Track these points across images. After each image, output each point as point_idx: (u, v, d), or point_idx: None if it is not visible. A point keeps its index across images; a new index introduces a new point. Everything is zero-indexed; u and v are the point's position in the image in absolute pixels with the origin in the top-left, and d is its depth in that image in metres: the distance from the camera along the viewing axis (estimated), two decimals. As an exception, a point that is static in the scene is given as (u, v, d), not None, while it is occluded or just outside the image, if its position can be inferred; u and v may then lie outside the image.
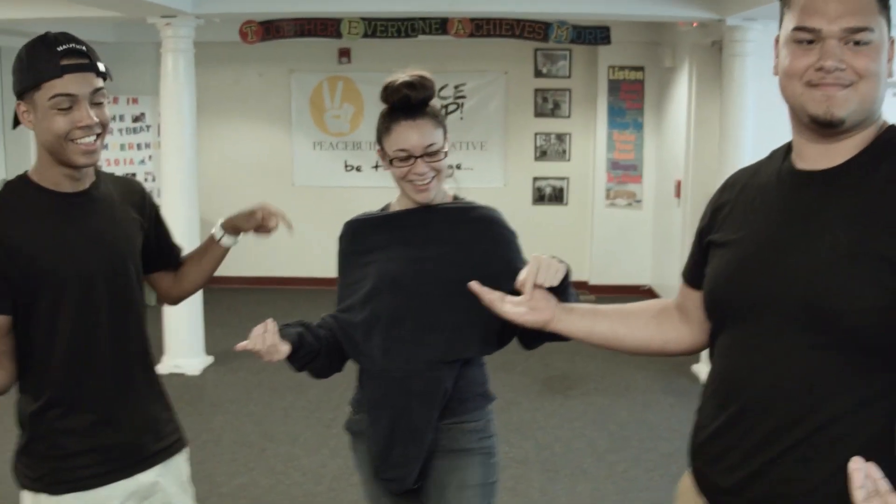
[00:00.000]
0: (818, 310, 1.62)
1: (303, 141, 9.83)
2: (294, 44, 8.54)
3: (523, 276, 2.13)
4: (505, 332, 2.43)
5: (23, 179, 2.44)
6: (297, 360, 2.43)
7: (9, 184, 2.45)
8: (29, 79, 2.29)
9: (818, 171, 1.71)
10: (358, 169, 9.83)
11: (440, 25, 7.86)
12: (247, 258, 10.00)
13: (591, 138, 9.67)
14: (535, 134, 9.80)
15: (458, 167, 9.71)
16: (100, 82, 2.33)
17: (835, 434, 1.60)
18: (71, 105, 2.28)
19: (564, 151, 9.82)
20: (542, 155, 9.84)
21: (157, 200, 2.69)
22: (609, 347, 2.20)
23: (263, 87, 9.80)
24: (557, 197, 9.88)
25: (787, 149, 1.82)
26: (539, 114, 9.79)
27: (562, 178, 9.84)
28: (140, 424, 2.56)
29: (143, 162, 9.26)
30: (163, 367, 6.99)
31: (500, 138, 9.81)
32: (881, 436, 1.42)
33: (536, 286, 2.11)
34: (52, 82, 2.26)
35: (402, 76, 2.48)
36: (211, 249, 2.78)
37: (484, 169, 9.80)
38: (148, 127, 9.15)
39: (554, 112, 9.77)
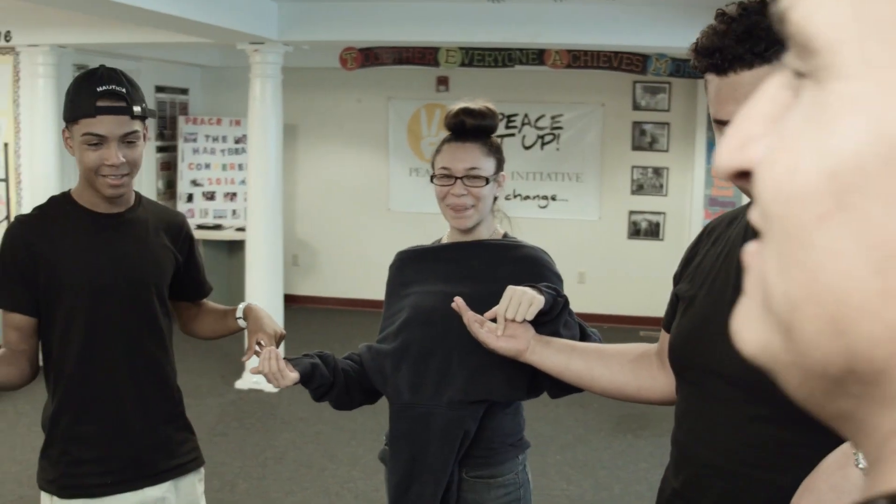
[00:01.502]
0: (755, 382, 1.54)
1: (399, 167, 9.95)
2: (393, 71, 8.68)
3: (494, 308, 2.16)
4: (536, 380, 2.37)
5: (66, 196, 2.62)
6: (311, 389, 2.45)
7: (52, 198, 2.64)
8: (68, 112, 2.47)
9: None
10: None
11: (537, 56, 7.88)
12: (335, 279, 10.19)
13: (689, 173, 9.51)
14: (632, 167, 9.70)
15: (553, 198, 9.70)
16: (135, 124, 2.47)
17: None
18: (100, 143, 2.42)
19: (661, 186, 9.69)
20: (638, 189, 9.73)
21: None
22: (583, 386, 2.17)
23: (362, 113, 9.96)
24: (653, 232, 9.74)
25: None
26: (636, 147, 9.69)
27: (658, 213, 9.70)
28: (151, 441, 2.65)
29: (243, 182, 9.49)
30: (242, 383, 7.15)
31: (596, 171, 9.73)
32: None
33: (507, 319, 2.14)
34: (86, 120, 2.42)
35: (466, 103, 2.51)
36: (229, 319, 2.81)
37: (579, 201, 9.74)
38: (250, 148, 9.39)
39: (652, 146, 9.65)
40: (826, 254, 0.41)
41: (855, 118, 0.39)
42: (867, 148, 0.39)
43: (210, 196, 9.39)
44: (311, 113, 9.92)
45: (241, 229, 8.53)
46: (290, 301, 9.76)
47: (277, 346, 2.56)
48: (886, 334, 0.40)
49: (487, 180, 2.46)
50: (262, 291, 6.92)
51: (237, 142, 9.29)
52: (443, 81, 9.69)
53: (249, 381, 7.11)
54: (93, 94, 2.41)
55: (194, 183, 9.34)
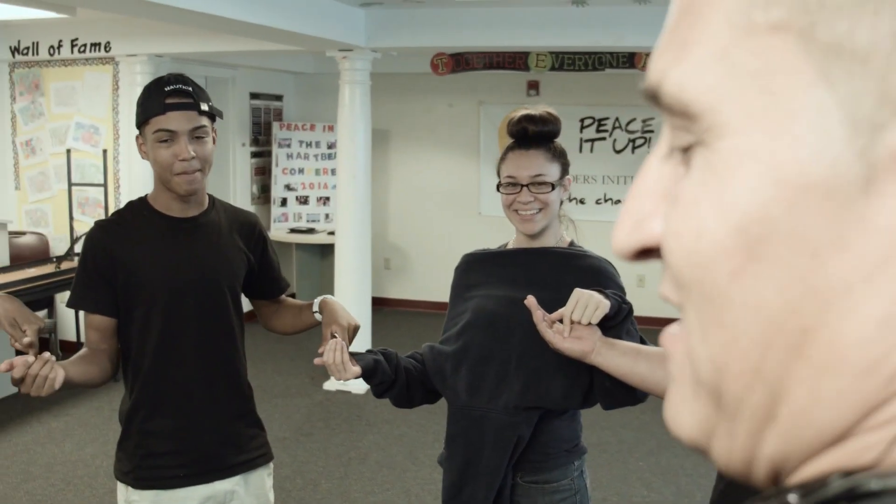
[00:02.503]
0: None
1: (490, 171, 9.93)
2: (484, 76, 8.72)
3: (561, 310, 2.19)
4: (592, 391, 2.39)
5: (142, 201, 2.74)
6: (373, 385, 2.50)
7: (129, 203, 2.76)
8: (140, 114, 2.59)
9: None
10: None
11: (628, 59, 7.83)
12: (426, 282, 10.27)
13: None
14: (726, 171, 9.54)
15: (645, 202, 9.60)
16: (202, 120, 2.58)
17: None
18: (170, 139, 2.53)
19: (756, 190, 9.51)
20: (732, 192, 9.57)
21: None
22: (647, 390, 2.19)
23: (453, 118, 10.01)
24: (747, 236, 9.57)
25: None
26: (730, 150, 9.53)
27: (752, 217, 9.53)
28: (222, 436, 2.75)
29: (335, 187, 9.64)
30: (330, 385, 7.27)
31: (689, 174, 9.59)
32: None
33: (574, 321, 2.17)
34: (157, 118, 2.54)
35: (527, 110, 2.52)
36: (305, 313, 2.88)
37: (671, 205, 9.62)
38: (344, 153, 9.53)
39: (745, 149, 9.49)
40: (744, 308, 0.41)
41: (750, 169, 0.40)
42: (768, 195, 0.40)
43: (303, 200, 9.56)
44: (403, 118, 10.03)
45: (334, 233, 8.66)
46: (382, 304, 9.88)
47: (352, 338, 2.61)
48: (811, 372, 0.41)
49: (553, 186, 2.46)
50: (351, 294, 7.02)
51: (330, 147, 9.43)
52: (533, 86, 9.69)
53: (337, 382, 7.22)
54: (161, 94, 2.54)
55: (288, 187, 9.52)
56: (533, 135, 2.47)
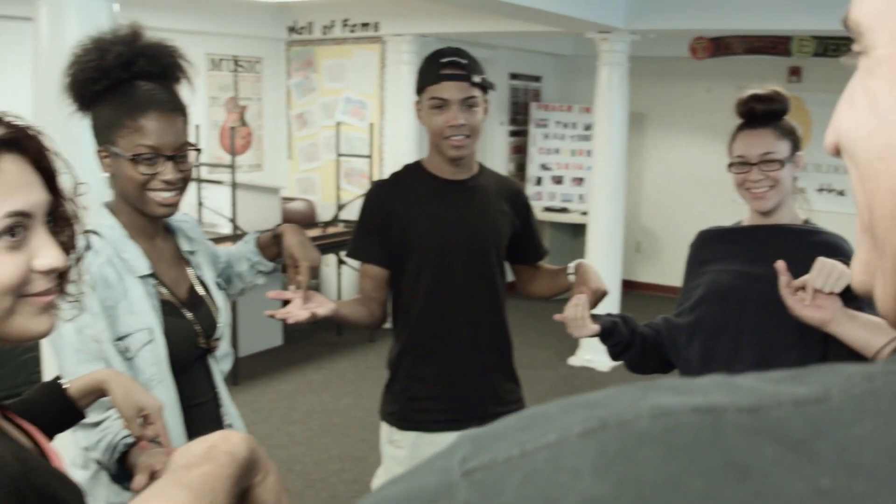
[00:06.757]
0: None
1: (747, 158, 9.76)
2: (743, 61, 8.58)
3: (804, 277, 2.24)
4: (825, 362, 2.39)
5: (417, 164, 2.97)
6: (609, 346, 2.63)
7: (406, 166, 3.00)
8: (418, 82, 2.84)
9: None
10: (800, 191, 9.58)
11: (899, 45, 7.53)
12: (677, 267, 10.14)
13: None
14: None
15: None
16: (473, 90, 2.77)
17: None
18: (443, 106, 2.75)
19: None
20: None
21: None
22: None
23: (711, 103, 9.88)
24: None
25: None
26: None
27: None
28: (481, 386, 2.91)
29: (590, 168, 9.77)
30: (575, 360, 7.43)
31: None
32: None
33: (817, 290, 2.21)
34: (432, 87, 2.76)
35: (754, 89, 2.56)
36: (560, 276, 2.94)
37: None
38: (599, 136, 9.65)
39: None
40: (882, 176, 0.55)
41: (889, 72, 0.54)
42: None
43: (558, 180, 9.73)
44: (659, 102, 10.00)
45: (586, 213, 8.80)
46: (632, 287, 9.91)
47: (597, 302, 2.68)
48: None
49: (782, 163, 2.48)
50: (601, 275, 7.11)
51: (586, 128, 9.52)
52: (795, 72, 9.42)
53: (582, 358, 7.37)
54: (437, 65, 2.75)
55: (543, 167, 9.72)
56: (761, 114, 2.50)
